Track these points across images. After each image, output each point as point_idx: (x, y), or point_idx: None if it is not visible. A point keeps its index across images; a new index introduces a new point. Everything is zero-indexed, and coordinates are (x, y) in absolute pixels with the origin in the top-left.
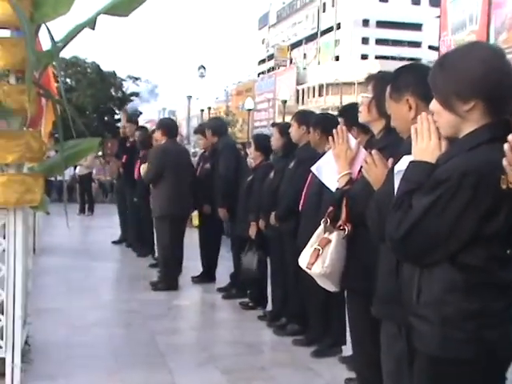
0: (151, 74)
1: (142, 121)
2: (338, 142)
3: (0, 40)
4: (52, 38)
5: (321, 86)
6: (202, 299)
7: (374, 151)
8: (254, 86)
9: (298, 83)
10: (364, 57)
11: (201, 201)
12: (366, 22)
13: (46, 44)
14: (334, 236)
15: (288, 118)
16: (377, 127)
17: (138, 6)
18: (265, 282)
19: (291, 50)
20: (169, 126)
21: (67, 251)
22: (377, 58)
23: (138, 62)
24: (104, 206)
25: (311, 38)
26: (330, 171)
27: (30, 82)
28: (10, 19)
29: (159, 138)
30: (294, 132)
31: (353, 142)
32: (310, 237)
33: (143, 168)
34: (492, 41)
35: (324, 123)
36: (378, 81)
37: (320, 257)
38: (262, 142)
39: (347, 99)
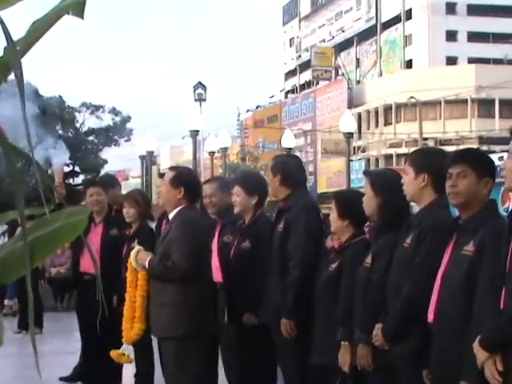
0: (120, 102)
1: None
2: None
3: None
4: (9, 37)
5: (387, 109)
6: None
7: None
8: (280, 112)
9: (351, 105)
10: (451, 60)
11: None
12: (451, 7)
13: None
14: None
15: (339, 161)
16: None
17: None
18: None
19: (337, 53)
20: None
21: None
22: (471, 61)
23: (99, 83)
24: (58, 317)
25: (367, 35)
26: None
27: None
28: None
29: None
30: (409, 184)
31: None
32: (453, 364)
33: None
34: None
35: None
36: None
37: None
38: (349, 202)
39: (430, 127)
